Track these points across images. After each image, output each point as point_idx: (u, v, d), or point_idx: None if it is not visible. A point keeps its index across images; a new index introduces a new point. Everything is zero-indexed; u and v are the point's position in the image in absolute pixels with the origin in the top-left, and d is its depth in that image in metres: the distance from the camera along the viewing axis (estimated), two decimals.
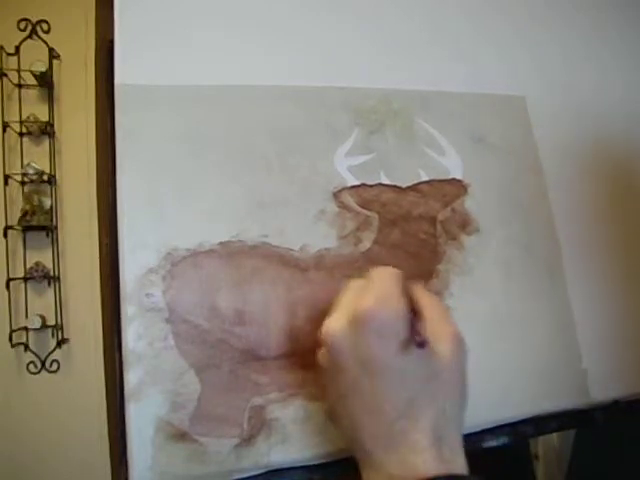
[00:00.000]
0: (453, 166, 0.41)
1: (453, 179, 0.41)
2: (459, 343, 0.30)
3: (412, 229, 0.39)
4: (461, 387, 0.30)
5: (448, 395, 0.29)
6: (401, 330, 0.28)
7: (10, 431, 1.10)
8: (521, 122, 0.45)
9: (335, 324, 0.29)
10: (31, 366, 1.11)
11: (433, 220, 0.39)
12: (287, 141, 0.38)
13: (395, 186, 0.39)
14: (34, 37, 1.16)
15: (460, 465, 0.27)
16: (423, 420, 0.27)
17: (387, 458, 0.27)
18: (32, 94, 1.18)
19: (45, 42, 1.16)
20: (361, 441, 0.28)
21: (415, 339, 0.27)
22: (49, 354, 1.13)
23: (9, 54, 1.15)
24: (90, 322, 1.13)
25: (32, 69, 1.13)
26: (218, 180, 0.36)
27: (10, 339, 1.10)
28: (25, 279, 1.13)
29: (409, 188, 0.39)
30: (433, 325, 0.29)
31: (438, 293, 0.38)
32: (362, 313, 0.28)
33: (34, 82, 1.16)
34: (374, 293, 0.28)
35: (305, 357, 0.34)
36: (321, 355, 0.30)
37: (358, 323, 0.28)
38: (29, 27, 1.15)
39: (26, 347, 1.12)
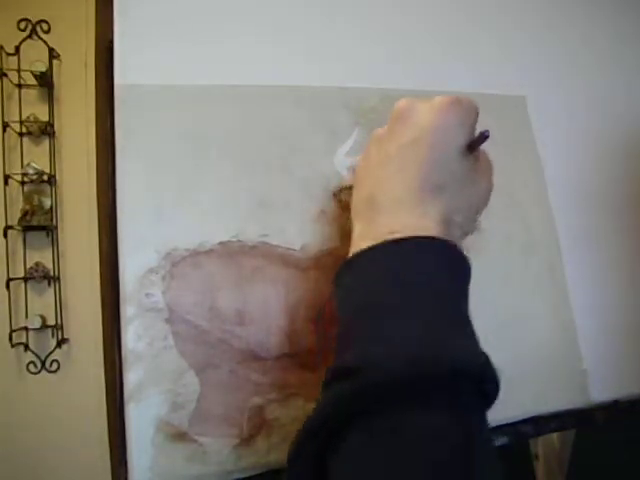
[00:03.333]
0: None
1: None
2: (491, 187, 0.32)
3: None
4: (476, 212, 0.32)
5: (467, 205, 0.30)
6: (468, 128, 0.30)
7: (10, 431, 1.10)
8: (521, 122, 0.45)
9: (415, 101, 0.31)
10: (31, 366, 1.11)
11: None
12: (287, 141, 0.38)
13: None
14: (34, 37, 1.16)
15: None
16: (441, 204, 0.28)
17: (395, 215, 0.28)
18: (32, 94, 1.18)
19: (45, 42, 1.16)
20: (375, 197, 0.29)
21: (480, 133, 0.29)
22: (49, 354, 1.13)
23: (9, 54, 1.15)
24: (90, 322, 1.13)
25: (32, 69, 1.13)
26: (218, 180, 0.36)
27: (10, 339, 1.10)
28: (25, 279, 1.13)
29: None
30: (485, 162, 0.32)
31: None
32: (444, 102, 0.30)
33: (34, 82, 1.16)
34: (458, 96, 0.30)
35: (305, 357, 0.34)
36: (378, 129, 0.32)
37: (437, 108, 0.29)
38: (29, 27, 1.15)
39: (26, 347, 1.12)
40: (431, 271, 0.26)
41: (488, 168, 0.32)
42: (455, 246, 0.27)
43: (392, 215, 0.28)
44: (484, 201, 0.32)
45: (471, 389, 0.23)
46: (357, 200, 0.31)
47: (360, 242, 0.28)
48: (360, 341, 0.24)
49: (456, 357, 0.22)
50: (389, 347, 0.23)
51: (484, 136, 0.30)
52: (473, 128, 0.31)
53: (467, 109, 0.30)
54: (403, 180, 0.29)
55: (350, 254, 0.28)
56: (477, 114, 0.31)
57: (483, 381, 0.23)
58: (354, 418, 0.22)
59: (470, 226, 0.32)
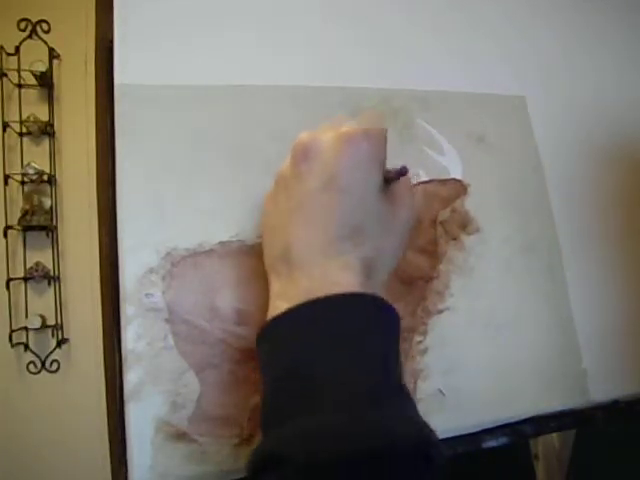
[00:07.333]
0: (453, 166, 0.41)
1: (453, 179, 0.41)
2: (412, 214, 0.31)
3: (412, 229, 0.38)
4: (401, 246, 0.31)
5: (389, 243, 0.29)
6: (379, 158, 0.28)
7: (10, 431, 1.10)
8: (521, 122, 0.45)
9: (317, 134, 0.28)
10: (31, 366, 1.12)
11: (433, 220, 0.39)
12: (287, 141, 0.37)
13: None
14: (34, 37, 1.16)
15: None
16: (361, 250, 0.27)
17: (313, 270, 0.26)
18: (32, 94, 1.18)
19: (45, 42, 1.16)
20: (290, 251, 0.27)
21: (397, 169, 0.28)
22: (49, 354, 1.13)
23: (9, 54, 1.15)
24: (90, 322, 1.13)
25: (32, 69, 1.13)
26: (218, 180, 0.36)
27: (10, 339, 1.10)
28: (25, 279, 1.13)
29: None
30: (403, 187, 0.31)
31: (438, 293, 0.38)
32: (349, 133, 0.28)
33: (34, 82, 1.16)
34: (366, 127, 0.28)
35: None
36: (285, 165, 0.30)
37: (342, 141, 0.27)
38: (29, 27, 1.15)
39: (26, 347, 1.12)
40: (354, 332, 0.24)
41: (406, 195, 0.31)
42: (379, 299, 0.25)
43: (309, 271, 0.26)
44: (406, 233, 0.31)
45: (414, 462, 0.21)
46: (270, 253, 0.29)
47: (278, 302, 0.26)
48: (283, 424, 0.22)
49: (391, 433, 0.21)
50: (314, 434, 0.21)
51: (402, 172, 0.28)
52: (384, 159, 0.29)
53: (376, 140, 0.28)
54: (317, 230, 0.27)
55: (268, 315, 0.26)
56: (385, 138, 0.29)
57: (427, 449, 0.22)
58: None
59: (393, 263, 0.30)
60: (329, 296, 0.24)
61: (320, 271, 0.26)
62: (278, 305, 0.26)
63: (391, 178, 0.29)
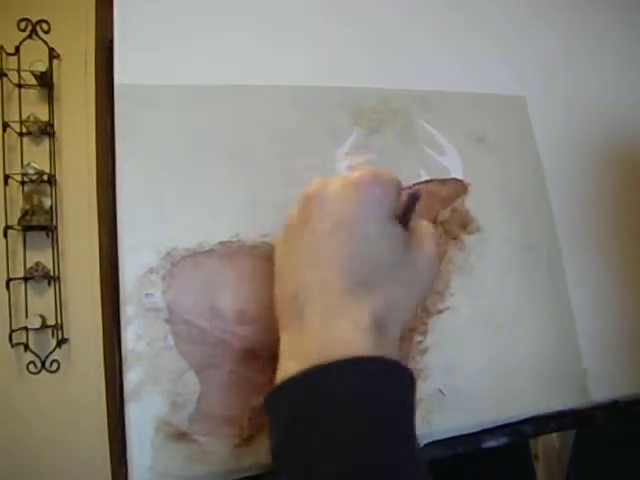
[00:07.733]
0: (453, 166, 0.41)
1: (453, 179, 0.41)
2: (435, 260, 0.30)
3: None
4: (420, 294, 0.29)
5: (404, 295, 0.28)
6: (391, 205, 0.28)
7: (10, 431, 1.10)
8: (521, 122, 0.45)
9: (326, 181, 0.28)
10: (31, 366, 1.12)
11: (434, 220, 0.39)
12: (287, 141, 0.38)
13: None
14: (34, 37, 1.16)
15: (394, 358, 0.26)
16: (372, 304, 0.26)
17: (324, 328, 0.25)
18: (32, 94, 1.18)
19: (45, 42, 1.16)
20: (301, 302, 0.26)
21: (408, 195, 0.27)
22: (49, 354, 1.13)
23: (9, 54, 1.15)
24: (90, 322, 1.13)
25: (32, 69, 1.13)
26: (218, 180, 0.36)
27: (10, 339, 1.10)
28: (25, 279, 1.13)
29: (409, 188, 0.39)
30: (424, 231, 0.29)
31: (438, 293, 0.38)
32: (360, 179, 0.27)
33: (34, 82, 1.16)
34: (375, 169, 0.28)
35: None
36: (292, 213, 0.29)
37: (352, 187, 0.27)
38: (29, 27, 1.15)
39: (26, 347, 1.12)
40: (367, 398, 0.23)
41: (427, 240, 0.29)
42: (392, 361, 0.25)
43: (319, 327, 0.25)
44: (426, 281, 0.29)
45: None
46: (281, 302, 0.28)
47: (288, 363, 0.25)
48: None
49: None
50: None
51: (415, 198, 0.27)
52: (396, 202, 0.28)
53: (386, 184, 0.28)
54: (325, 282, 0.26)
55: (278, 377, 0.25)
56: (399, 187, 0.28)
57: None
58: None
59: (408, 316, 0.29)
60: (339, 360, 0.23)
61: (329, 328, 0.25)
62: (288, 366, 0.25)
63: (406, 212, 0.28)
